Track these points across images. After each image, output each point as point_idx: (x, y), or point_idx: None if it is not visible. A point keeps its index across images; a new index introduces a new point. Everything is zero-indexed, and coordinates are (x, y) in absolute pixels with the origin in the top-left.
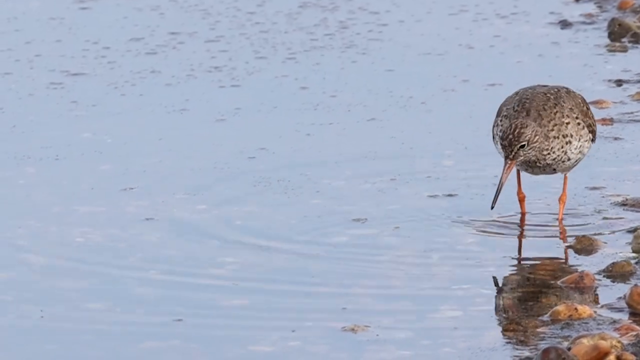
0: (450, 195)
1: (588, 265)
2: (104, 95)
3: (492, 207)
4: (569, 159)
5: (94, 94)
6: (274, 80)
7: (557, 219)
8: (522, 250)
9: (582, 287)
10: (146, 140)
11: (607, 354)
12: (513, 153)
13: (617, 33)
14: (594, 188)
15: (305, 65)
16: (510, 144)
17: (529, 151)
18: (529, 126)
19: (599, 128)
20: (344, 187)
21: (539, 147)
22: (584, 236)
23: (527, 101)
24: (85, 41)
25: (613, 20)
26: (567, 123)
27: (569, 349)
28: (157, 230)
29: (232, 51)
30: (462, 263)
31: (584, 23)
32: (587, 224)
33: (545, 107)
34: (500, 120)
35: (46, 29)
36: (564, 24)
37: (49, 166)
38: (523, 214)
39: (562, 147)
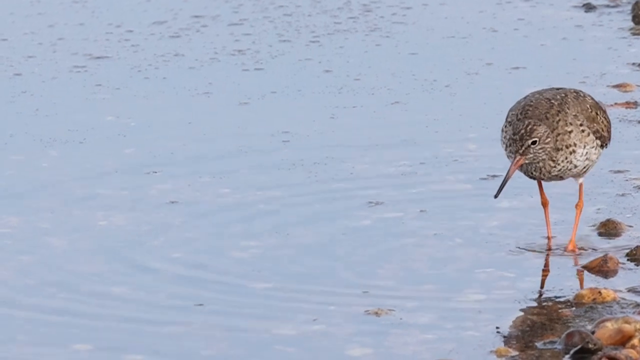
0: (473, 178)
1: (612, 248)
2: (128, 79)
3: (495, 196)
4: (575, 167)
5: (117, 77)
6: (297, 64)
7: (574, 225)
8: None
9: (606, 271)
10: (170, 123)
11: (631, 337)
12: (523, 148)
13: None
14: (618, 171)
15: (329, 48)
16: (521, 138)
17: (539, 151)
18: (541, 126)
19: (623, 112)
20: (368, 170)
21: (549, 152)
22: (608, 220)
23: (530, 109)
24: (108, 24)
25: (637, 3)
26: (570, 132)
27: (593, 332)
28: (181, 213)
29: (256, 34)
30: (486, 246)
31: (607, 6)
32: (611, 207)
33: (548, 115)
34: (505, 127)
35: (69, 12)
36: (588, 7)
37: (72, 149)
38: (548, 223)
39: (566, 158)
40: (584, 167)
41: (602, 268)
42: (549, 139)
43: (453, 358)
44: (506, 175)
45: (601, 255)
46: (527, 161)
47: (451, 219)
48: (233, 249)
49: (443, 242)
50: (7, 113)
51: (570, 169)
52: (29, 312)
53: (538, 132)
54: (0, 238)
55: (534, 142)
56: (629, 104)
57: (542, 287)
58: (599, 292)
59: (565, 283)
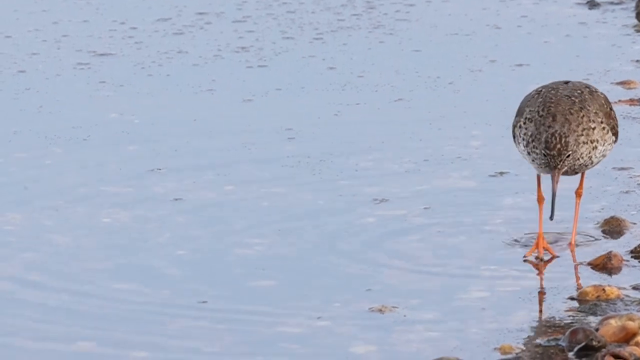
0: (477, 175)
1: (616, 245)
2: (131, 76)
3: (551, 219)
4: (592, 163)
5: (121, 74)
6: (301, 61)
7: (574, 215)
8: (551, 233)
9: (610, 268)
10: (173, 120)
11: (634, 334)
12: (562, 162)
13: None
14: (622, 169)
15: (333, 45)
16: (559, 153)
17: (570, 160)
18: (570, 135)
19: (627, 109)
20: (372, 167)
21: (573, 155)
22: (612, 217)
23: (552, 105)
24: (112, 21)
25: None
26: (594, 128)
27: (597, 329)
28: (185, 211)
29: (259, 31)
30: (490, 243)
31: (611, 3)
32: (615, 204)
33: (572, 111)
34: (524, 123)
35: (73, 9)
36: (592, 4)
37: (76, 147)
38: (541, 219)
39: (589, 153)
40: (597, 163)
41: (606, 265)
42: (577, 143)
43: (457, 355)
44: (552, 195)
45: (605, 252)
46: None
47: (455, 216)
48: (237, 246)
49: (447, 239)
50: (11, 110)
51: (587, 165)
52: (32, 309)
53: (571, 143)
54: (4, 235)
55: (568, 156)
56: (633, 101)
57: (546, 284)
58: (603, 289)
59: (569, 280)
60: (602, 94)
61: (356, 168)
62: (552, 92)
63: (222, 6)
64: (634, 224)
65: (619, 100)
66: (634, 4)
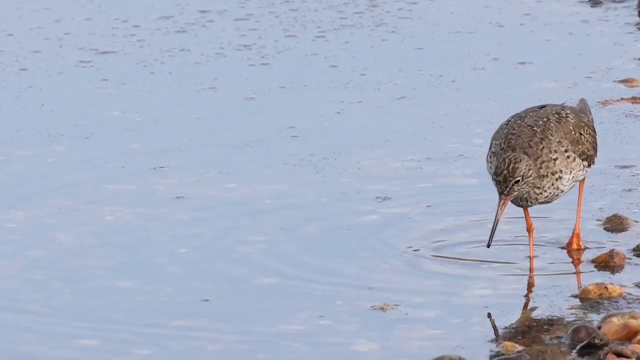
0: (480, 173)
1: (618, 244)
2: (134, 74)
3: (488, 246)
4: (562, 192)
5: (123, 72)
6: (303, 59)
7: (576, 216)
8: (553, 230)
9: (613, 266)
10: (176, 118)
11: (637, 333)
12: (508, 189)
13: None
14: (624, 167)
15: (335, 43)
16: (505, 180)
17: (523, 186)
18: (522, 160)
19: (629, 107)
20: (374, 165)
21: (532, 183)
22: (614, 215)
23: (513, 137)
24: (114, 19)
25: None
26: (555, 159)
27: (600, 328)
28: (187, 209)
29: (262, 30)
30: (493, 242)
31: (614, 1)
32: (618, 202)
33: (532, 143)
34: (490, 157)
35: (76, 7)
36: (595, 3)
37: (78, 145)
38: (531, 246)
39: (553, 184)
40: (571, 187)
41: (608, 263)
42: (531, 171)
43: (459, 353)
44: (495, 221)
45: (608, 251)
46: (512, 199)
47: (458, 214)
48: (240, 244)
49: (450, 237)
50: (14, 108)
51: (558, 195)
52: (35, 308)
53: (520, 170)
54: (7, 233)
55: (517, 182)
56: (635, 99)
57: (548, 282)
58: (606, 287)
59: (571, 278)
60: (573, 118)
61: (359, 166)
62: (518, 122)
63: (225, 4)
64: (637, 222)
65: (622, 99)
66: (636, 3)
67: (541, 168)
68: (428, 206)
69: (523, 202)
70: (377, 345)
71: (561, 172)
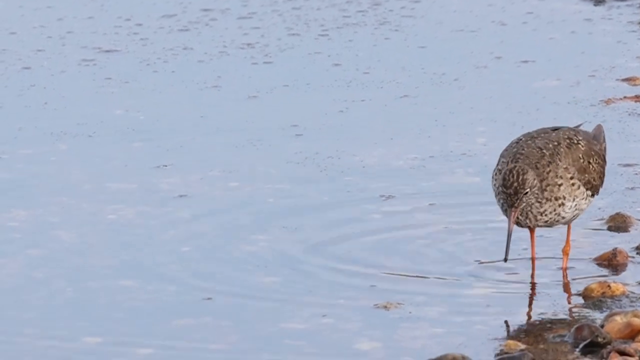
0: (483, 172)
1: (621, 242)
2: (137, 72)
3: (505, 260)
4: (563, 218)
5: (126, 70)
6: (306, 57)
7: (562, 268)
8: (556, 229)
9: (615, 264)
10: (179, 117)
11: None
12: (519, 201)
13: None
14: (627, 165)
15: (338, 42)
16: (516, 192)
17: (531, 197)
18: (528, 171)
19: (632, 105)
20: (377, 164)
21: (536, 195)
22: (617, 213)
23: (521, 157)
24: (117, 18)
25: None
26: (560, 184)
27: (602, 326)
28: (190, 207)
29: (265, 28)
30: (495, 240)
31: (617, 0)
32: (620, 201)
33: (538, 165)
34: (496, 174)
35: (78, 6)
36: (597, 1)
37: (81, 143)
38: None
39: (554, 210)
40: (573, 216)
41: (611, 261)
42: (536, 181)
43: (462, 352)
44: (508, 234)
45: (610, 249)
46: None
47: (460, 213)
48: (242, 242)
49: (452, 236)
50: (16, 107)
51: (558, 220)
52: (37, 306)
53: (529, 180)
54: (9, 232)
55: (526, 193)
56: (638, 98)
57: (551, 280)
58: (608, 285)
59: (574, 276)
60: (585, 144)
61: (362, 164)
62: (529, 142)
63: (228, 2)
64: (639, 220)
65: (624, 97)
66: (639, 1)
67: (545, 190)
68: (431, 204)
69: (522, 217)
70: (380, 343)
71: (564, 198)
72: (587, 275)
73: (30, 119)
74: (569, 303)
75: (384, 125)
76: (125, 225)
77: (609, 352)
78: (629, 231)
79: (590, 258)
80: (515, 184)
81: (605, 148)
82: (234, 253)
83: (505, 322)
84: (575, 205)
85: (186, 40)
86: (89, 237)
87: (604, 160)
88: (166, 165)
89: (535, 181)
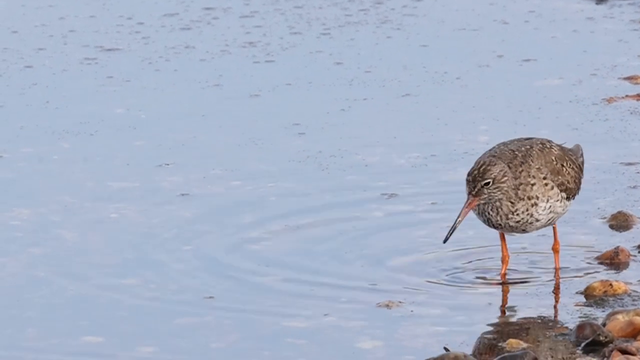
0: None
1: (623, 240)
2: (138, 71)
3: (444, 241)
4: (537, 220)
5: (128, 69)
6: (308, 56)
7: (555, 269)
8: (558, 227)
9: (617, 263)
10: (180, 115)
11: None
12: (476, 190)
13: None
14: (629, 164)
15: (340, 40)
16: (474, 179)
17: (495, 191)
18: (496, 164)
19: (634, 104)
20: (379, 162)
21: (506, 192)
22: (619, 212)
23: (494, 157)
24: (119, 16)
25: None
26: (533, 184)
27: (604, 325)
28: (192, 206)
29: (267, 27)
30: (497, 239)
31: None
32: (622, 199)
33: (511, 165)
34: None
35: (80, 5)
36: (599, 0)
37: (83, 142)
38: (503, 274)
39: (527, 210)
40: (549, 220)
41: (613, 260)
42: (506, 177)
43: (464, 350)
44: (456, 219)
45: (612, 247)
46: (482, 202)
47: None
48: (244, 241)
49: (454, 234)
50: (18, 105)
51: (532, 222)
52: (39, 304)
53: (492, 172)
54: (11, 230)
55: (487, 183)
56: (639, 96)
57: (553, 279)
58: (610, 284)
59: (576, 275)
60: (558, 150)
61: (364, 163)
62: (502, 147)
63: (229, 1)
64: None
65: (626, 96)
66: None
67: (518, 189)
68: (433, 203)
69: (493, 213)
70: (381, 342)
71: (537, 198)
72: (589, 273)
73: (32, 117)
74: (571, 302)
75: (386, 124)
76: (127, 224)
77: (611, 351)
78: (631, 230)
79: (592, 257)
80: (476, 172)
81: (582, 162)
82: (236, 252)
83: (507, 320)
84: (550, 207)
85: (188, 38)
86: (91, 235)
87: (580, 169)
88: (168, 164)
89: (505, 178)
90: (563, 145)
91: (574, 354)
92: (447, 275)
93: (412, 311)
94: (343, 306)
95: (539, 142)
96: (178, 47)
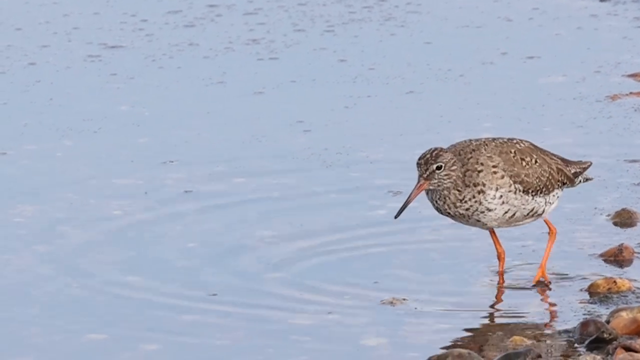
0: None
1: (627, 238)
2: (142, 68)
3: (395, 217)
4: (489, 210)
5: (131, 66)
6: (312, 53)
7: (545, 250)
8: (562, 224)
9: (621, 260)
10: (184, 113)
11: None
12: (427, 172)
13: None
14: (633, 161)
15: (344, 38)
16: (426, 162)
17: (444, 177)
18: (447, 152)
19: (638, 101)
20: (382, 159)
21: (454, 180)
22: (623, 209)
23: (451, 147)
24: (122, 14)
25: None
26: (480, 171)
27: (608, 322)
28: (196, 203)
29: (270, 24)
30: (501, 236)
31: None
32: (626, 196)
33: (462, 152)
34: None
35: (84, 2)
36: None
37: (87, 139)
38: (501, 272)
39: (474, 197)
40: (507, 213)
41: (617, 257)
42: (455, 167)
43: (468, 347)
44: (407, 198)
45: (616, 244)
46: (431, 187)
47: None
48: (248, 238)
49: (458, 232)
50: (22, 102)
51: (484, 212)
52: (43, 301)
53: (444, 157)
54: (15, 227)
55: (438, 167)
56: None
57: (556, 276)
58: (614, 281)
59: (580, 272)
60: (524, 146)
61: (369, 160)
62: (463, 141)
63: None
64: None
65: (630, 92)
66: None
67: (465, 176)
68: None
69: (441, 201)
70: (386, 339)
71: (484, 185)
72: (593, 271)
73: (36, 114)
74: (575, 299)
75: (390, 121)
76: (131, 221)
77: (615, 348)
78: (635, 227)
79: (596, 254)
80: (428, 156)
81: (573, 173)
82: (240, 249)
83: (511, 317)
84: (501, 196)
85: (192, 36)
86: (95, 232)
87: (561, 176)
88: (172, 161)
89: (455, 166)
90: (553, 152)
91: (578, 351)
92: (451, 272)
93: (416, 308)
94: (347, 303)
95: (507, 139)
96: (182, 45)
